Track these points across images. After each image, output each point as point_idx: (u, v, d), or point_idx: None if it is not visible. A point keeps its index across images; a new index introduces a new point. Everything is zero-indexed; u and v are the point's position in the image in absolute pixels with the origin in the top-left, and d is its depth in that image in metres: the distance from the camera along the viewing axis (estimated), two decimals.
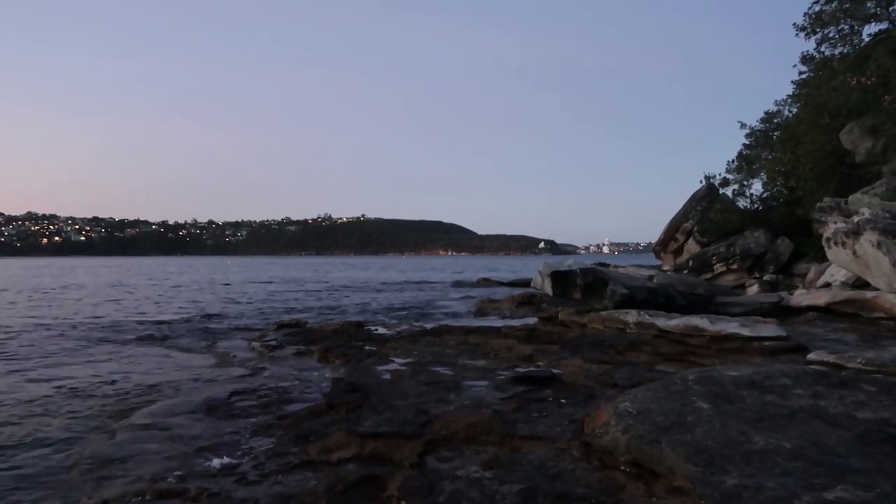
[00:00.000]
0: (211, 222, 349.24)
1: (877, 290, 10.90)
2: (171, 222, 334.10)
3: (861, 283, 11.67)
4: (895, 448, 3.00)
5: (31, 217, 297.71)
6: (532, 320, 11.41)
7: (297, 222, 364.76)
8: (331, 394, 5.35)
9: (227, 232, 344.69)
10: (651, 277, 14.98)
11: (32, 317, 13.78)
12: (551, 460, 3.50)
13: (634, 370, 6.24)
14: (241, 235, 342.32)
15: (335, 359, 7.33)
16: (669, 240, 23.08)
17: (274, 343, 8.87)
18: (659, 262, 25.28)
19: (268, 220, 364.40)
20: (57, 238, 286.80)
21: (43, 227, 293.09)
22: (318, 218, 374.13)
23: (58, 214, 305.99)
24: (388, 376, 6.22)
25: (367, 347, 8.12)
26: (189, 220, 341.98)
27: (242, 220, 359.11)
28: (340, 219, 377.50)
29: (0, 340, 9.68)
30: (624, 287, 11.04)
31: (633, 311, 9.58)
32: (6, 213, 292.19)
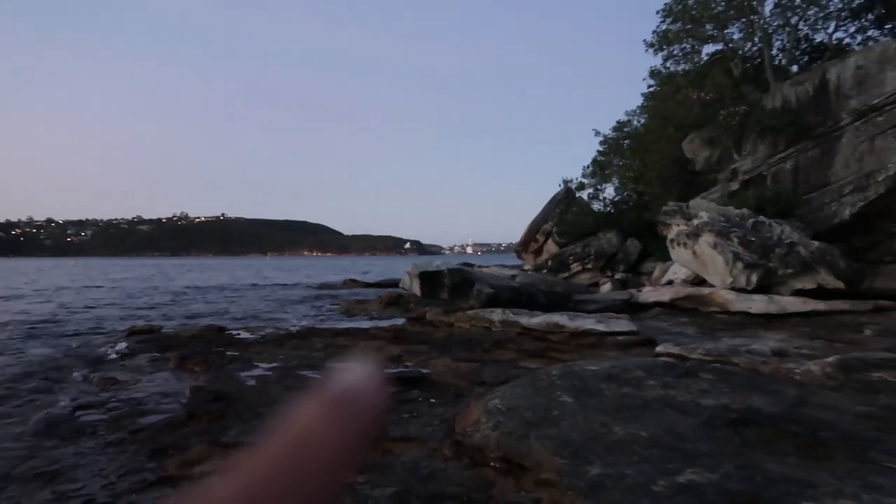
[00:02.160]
0: (50, 220, 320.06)
1: (713, 286, 11.98)
2: (1, 221, 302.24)
3: (700, 281, 12.78)
4: (735, 431, 3.29)
5: None
6: (400, 321, 11.43)
7: (150, 221, 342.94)
8: (190, 403, 5.03)
9: (69, 231, 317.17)
10: (514, 277, 15.52)
11: None
12: (424, 461, 3.50)
13: (501, 368, 6.42)
14: (86, 235, 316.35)
15: (194, 366, 6.90)
16: (530, 240, 24.10)
17: (125, 351, 8.22)
18: (521, 262, 26.31)
19: (117, 219, 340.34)
20: None
21: None
22: (174, 217, 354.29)
23: None
24: (252, 382, 5.95)
25: (228, 353, 7.72)
26: (24, 219, 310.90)
27: (87, 219, 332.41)
28: (198, 218, 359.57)
29: None
30: (489, 287, 11.34)
31: (499, 310, 9.87)
32: None
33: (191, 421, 4.51)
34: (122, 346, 8.73)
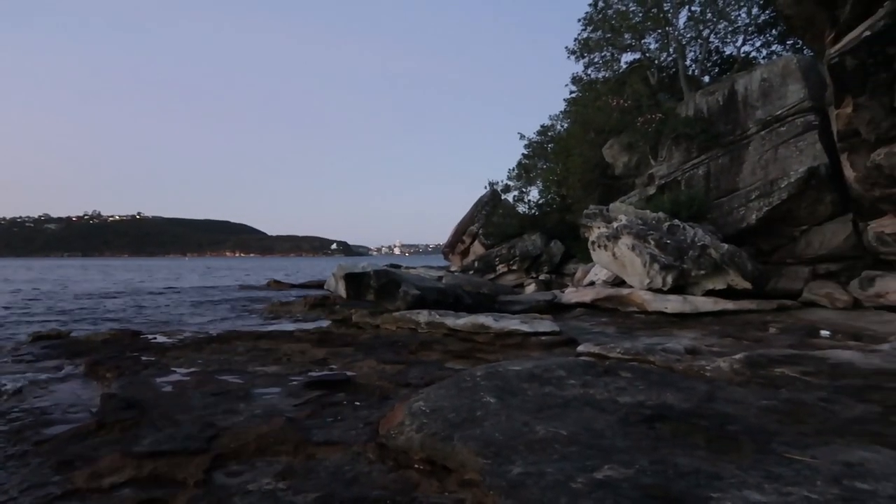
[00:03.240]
0: None
1: (631, 287, 12.41)
2: None
3: (619, 282, 13.21)
4: (650, 427, 3.42)
5: None
6: (325, 323, 11.29)
7: (59, 220, 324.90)
8: (101, 412, 4.80)
9: None
10: (440, 278, 15.60)
11: None
12: (347, 464, 3.47)
13: (427, 369, 6.43)
14: None
15: (106, 372, 6.58)
16: (457, 242, 24.29)
17: (29, 358, 7.77)
18: (447, 263, 26.49)
19: (21, 217, 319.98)
20: None
21: None
22: (85, 215, 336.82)
23: None
24: (169, 388, 5.73)
25: (143, 358, 7.41)
26: None
27: None
28: (112, 217, 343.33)
29: None
30: (416, 288, 11.35)
31: (425, 312, 9.90)
32: None
33: (101, 430, 4.30)
34: (25, 352, 8.25)
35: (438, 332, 9.10)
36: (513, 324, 8.70)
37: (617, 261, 12.76)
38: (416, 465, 3.33)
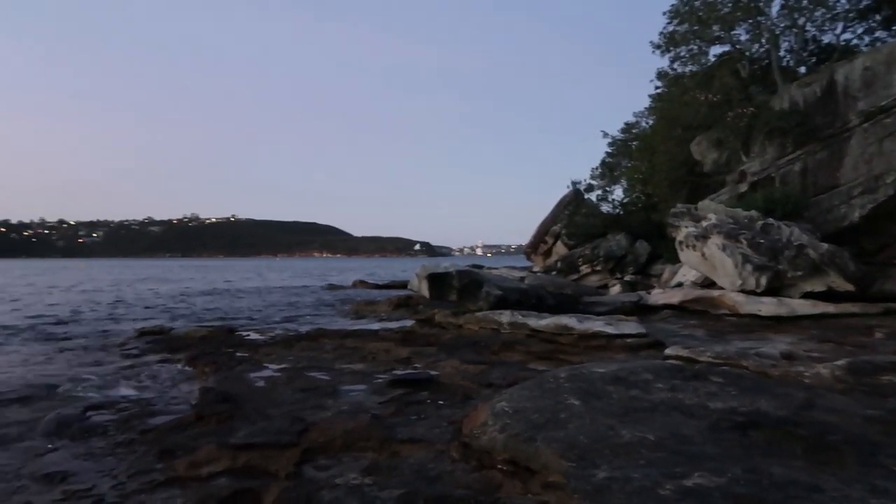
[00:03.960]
0: (62, 222, 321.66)
1: (722, 289, 11.93)
2: (13, 221, 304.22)
3: (709, 283, 12.73)
4: (743, 434, 3.29)
5: None
6: (409, 322, 11.45)
7: (161, 222, 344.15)
8: (199, 404, 5.07)
9: (80, 232, 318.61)
10: (523, 279, 15.52)
11: None
12: (430, 463, 3.52)
13: (509, 370, 6.42)
14: (97, 236, 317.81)
15: (204, 367, 6.95)
16: (539, 242, 24.08)
17: (136, 352, 8.30)
18: (530, 264, 26.31)
19: (127, 220, 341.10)
20: None
21: None
22: (185, 218, 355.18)
23: None
24: (261, 384, 5.99)
25: (238, 354, 7.77)
26: (35, 220, 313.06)
27: (98, 220, 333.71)
28: (209, 219, 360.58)
29: None
30: (498, 288, 11.35)
31: (507, 312, 9.87)
32: None
33: (199, 422, 4.54)
34: (132, 346, 8.81)
35: (521, 332, 9.06)
36: (597, 325, 8.56)
37: (706, 261, 12.31)
38: (499, 466, 3.34)
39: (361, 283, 28.93)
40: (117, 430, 4.54)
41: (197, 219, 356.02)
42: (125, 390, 5.97)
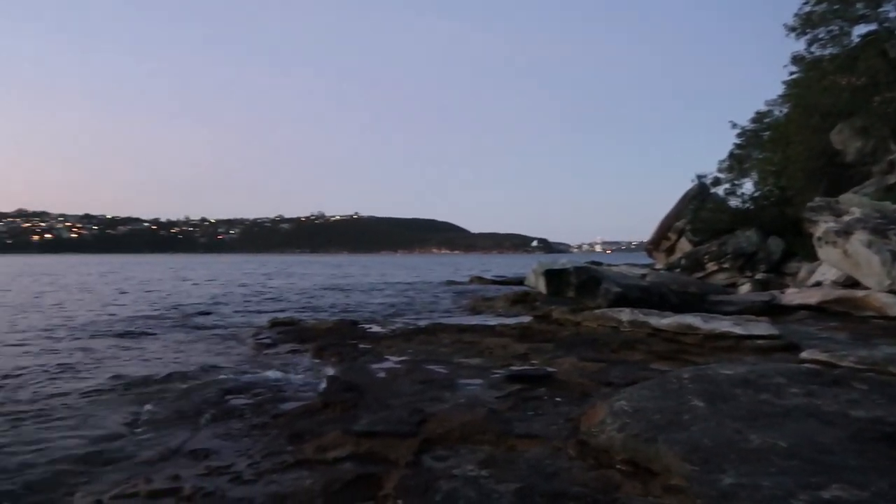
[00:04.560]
0: (203, 220, 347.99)
1: (867, 288, 10.98)
2: (163, 220, 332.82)
3: (852, 282, 11.75)
4: (890, 446, 3.02)
5: (22, 214, 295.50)
6: (526, 318, 11.42)
7: (291, 220, 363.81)
8: (326, 392, 5.35)
9: (219, 230, 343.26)
10: (644, 276, 15.04)
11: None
12: (547, 459, 3.50)
13: (629, 368, 6.26)
14: (234, 233, 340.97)
15: (329, 357, 7.32)
16: (661, 238, 23.19)
17: (268, 341, 8.85)
18: (651, 261, 25.41)
19: (261, 218, 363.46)
20: (48, 235, 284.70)
21: (34, 225, 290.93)
22: (312, 216, 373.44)
23: (49, 212, 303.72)
24: (382, 375, 6.21)
25: (360, 346, 8.10)
26: (181, 218, 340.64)
27: (235, 218, 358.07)
28: (334, 217, 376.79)
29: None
30: (617, 286, 11.07)
31: (627, 310, 9.61)
32: None
33: (326, 409, 4.78)
34: (265, 336, 9.40)
35: (641, 331, 8.79)
36: (724, 325, 8.14)
37: (848, 259, 11.36)
38: (618, 466, 3.27)
39: (478, 279, 29.15)
40: (252, 413, 4.87)
41: (323, 216, 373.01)
42: (259, 377, 6.38)
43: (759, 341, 7.61)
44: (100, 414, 5.02)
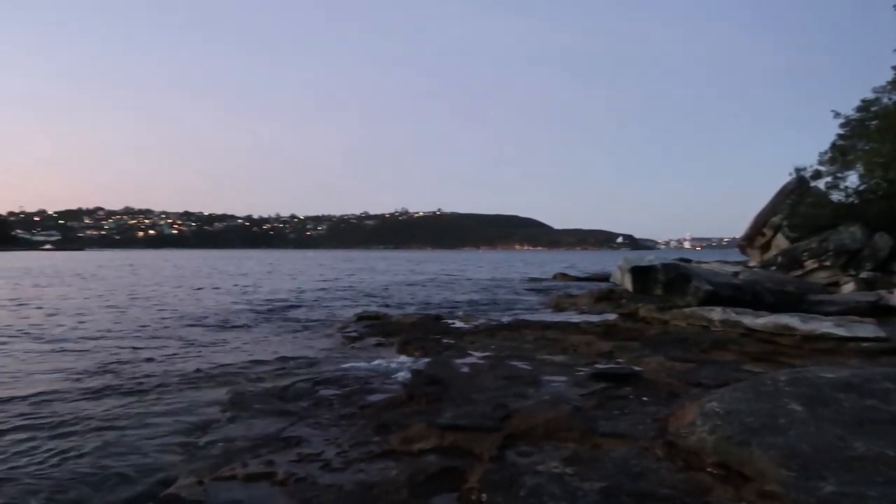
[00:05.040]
0: (293, 216, 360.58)
1: None
2: (255, 216, 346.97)
3: None
4: None
5: (129, 212, 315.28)
6: (611, 316, 11.21)
7: (375, 217, 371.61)
8: (410, 385, 5.45)
9: (308, 226, 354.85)
10: (736, 274, 14.41)
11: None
12: (634, 459, 3.44)
13: (720, 369, 6.05)
14: (322, 229, 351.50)
15: (414, 351, 7.44)
16: (756, 235, 22.14)
17: (355, 334, 9.09)
18: (745, 258, 24.30)
19: (347, 215, 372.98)
20: (151, 231, 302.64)
21: (139, 221, 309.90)
22: (395, 213, 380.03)
23: (152, 209, 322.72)
24: (466, 369, 6.26)
25: (444, 340, 8.19)
26: (272, 215, 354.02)
27: (323, 215, 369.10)
28: (417, 213, 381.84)
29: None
30: (708, 283, 10.68)
31: (718, 309, 9.26)
32: (107, 208, 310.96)
33: (410, 401, 4.87)
34: (352, 329, 9.66)
35: (734, 331, 8.45)
36: (824, 326, 7.71)
37: None
38: (708, 469, 3.17)
39: (562, 276, 28.82)
40: (340, 403, 5.03)
41: (406, 213, 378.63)
42: (346, 369, 6.57)
43: (865, 344, 7.17)
44: (196, 400, 5.31)
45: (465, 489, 3.15)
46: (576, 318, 11.39)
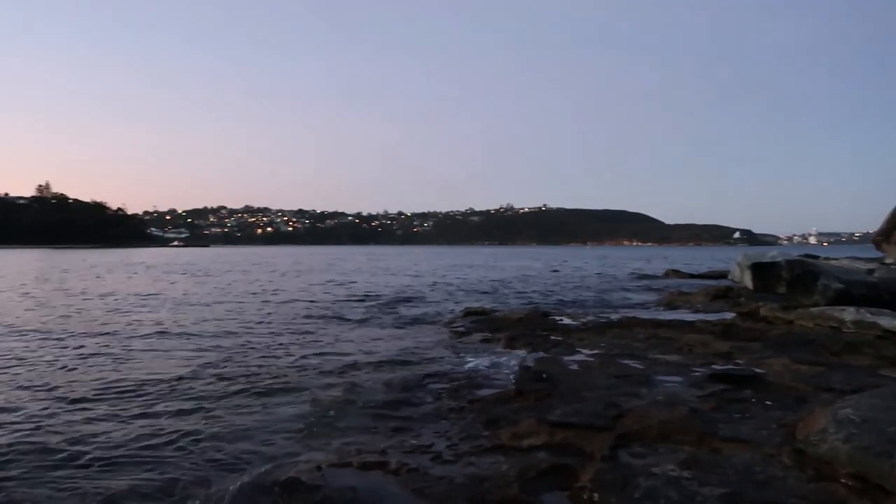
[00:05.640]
0: (400, 213, 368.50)
1: None
2: (364, 213, 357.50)
3: None
4: None
5: (248, 210, 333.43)
6: (729, 315, 10.66)
7: (480, 213, 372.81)
8: (519, 381, 5.43)
9: (414, 222, 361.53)
10: (871, 271, 13.31)
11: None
12: (757, 465, 3.25)
13: (853, 374, 5.61)
14: (428, 226, 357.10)
15: (521, 347, 7.41)
16: (893, 228, 20.37)
17: (462, 329, 9.17)
18: (881, 255, 22.43)
19: (452, 211, 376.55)
20: (269, 229, 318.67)
21: (258, 219, 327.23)
22: (500, 208, 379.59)
23: (270, 207, 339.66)
24: (575, 367, 6.16)
25: (552, 337, 8.10)
26: (380, 212, 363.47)
27: (429, 211, 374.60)
28: (522, 209, 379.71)
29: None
30: (839, 281, 9.94)
31: (851, 309, 8.59)
32: (229, 207, 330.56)
33: (519, 397, 4.85)
34: (459, 324, 9.75)
35: (869, 333, 7.81)
36: None
37: None
38: (843, 480, 2.95)
39: (674, 273, 27.74)
40: (449, 397, 5.09)
41: (511, 209, 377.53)
42: (454, 363, 6.65)
43: None
44: (311, 391, 5.55)
45: (576, 488, 3.10)
46: (690, 316, 10.93)
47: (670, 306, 13.21)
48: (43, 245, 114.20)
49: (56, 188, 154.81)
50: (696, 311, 11.84)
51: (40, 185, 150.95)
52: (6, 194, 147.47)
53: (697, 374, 5.70)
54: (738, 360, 6.42)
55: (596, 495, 2.96)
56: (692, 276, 26.06)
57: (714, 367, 6.00)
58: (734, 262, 12.31)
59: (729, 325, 9.07)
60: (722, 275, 22.23)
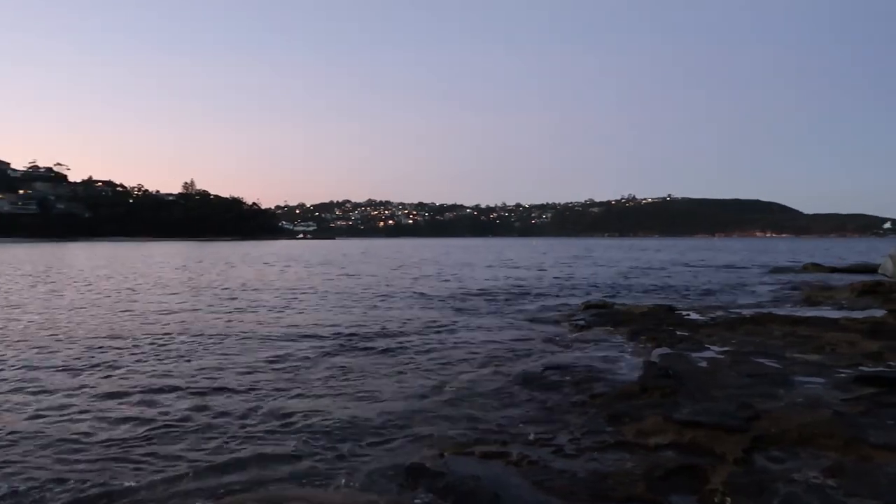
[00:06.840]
0: (518, 205, 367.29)
1: None
2: (482, 206, 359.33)
3: None
4: None
5: (371, 203, 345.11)
6: (878, 312, 9.79)
7: (600, 204, 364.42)
8: (643, 377, 5.27)
9: (532, 214, 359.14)
10: None
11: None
12: None
13: None
14: (546, 217, 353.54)
15: (645, 342, 7.19)
16: None
17: (582, 323, 9.01)
18: None
19: (571, 203, 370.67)
20: (391, 221, 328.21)
21: (380, 213, 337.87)
22: (622, 199, 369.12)
23: (391, 201, 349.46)
24: (703, 364, 5.89)
25: (678, 332, 7.79)
26: (498, 204, 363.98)
27: (547, 203, 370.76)
28: (644, 199, 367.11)
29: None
30: None
31: None
32: (353, 201, 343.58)
33: (643, 393, 4.71)
34: (579, 317, 9.59)
35: None
36: None
37: None
38: None
39: (814, 267, 25.76)
40: (570, 390, 5.03)
41: (633, 199, 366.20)
42: (575, 356, 6.55)
43: None
44: (433, 379, 5.65)
45: (706, 490, 2.98)
46: (833, 313, 10.13)
47: (810, 302, 12.31)
48: (188, 238, 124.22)
49: (198, 185, 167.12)
50: (841, 308, 10.96)
51: (185, 183, 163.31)
52: (157, 191, 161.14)
53: (842, 375, 5.29)
54: (889, 362, 5.89)
55: (729, 499, 2.83)
56: (835, 269, 24.09)
57: (862, 368, 5.55)
58: (885, 255, 11.25)
59: (879, 322, 8.33)
60: (871, 268, 20.39)
